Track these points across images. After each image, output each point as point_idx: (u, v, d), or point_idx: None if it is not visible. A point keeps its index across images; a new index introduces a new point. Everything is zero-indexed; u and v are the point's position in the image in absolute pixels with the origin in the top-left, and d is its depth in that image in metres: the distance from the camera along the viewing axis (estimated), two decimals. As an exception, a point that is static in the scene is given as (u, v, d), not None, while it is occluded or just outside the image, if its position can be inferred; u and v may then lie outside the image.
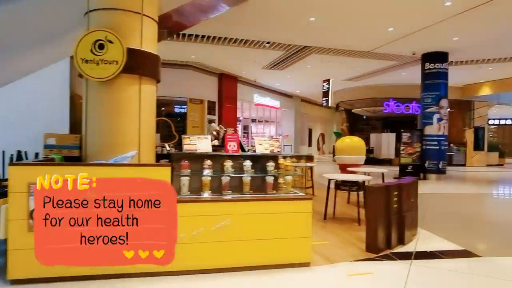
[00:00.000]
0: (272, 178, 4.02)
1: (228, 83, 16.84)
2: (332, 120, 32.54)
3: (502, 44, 10.93)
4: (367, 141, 21.53)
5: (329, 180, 6.03)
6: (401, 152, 12.08)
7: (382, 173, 7.23)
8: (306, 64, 14.29)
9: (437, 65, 11.71)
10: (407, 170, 12.05)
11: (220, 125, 5.34)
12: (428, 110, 11.94)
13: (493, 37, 10.31)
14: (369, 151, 18.80)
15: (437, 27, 9.34)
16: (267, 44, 11.38)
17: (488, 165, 18.83)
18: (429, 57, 11.90)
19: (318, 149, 30.12)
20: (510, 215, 7.03)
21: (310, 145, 28.57)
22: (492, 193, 9.80)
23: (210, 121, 15.13)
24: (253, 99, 19.55)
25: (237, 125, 20.00)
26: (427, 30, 9.64)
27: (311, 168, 8.23)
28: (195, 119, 15.46)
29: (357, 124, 27.56)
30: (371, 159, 18.58)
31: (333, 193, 6.09)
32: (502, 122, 31.99)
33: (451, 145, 19.14)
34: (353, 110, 23.00)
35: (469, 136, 18.59)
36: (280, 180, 4.08)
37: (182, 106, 15.18)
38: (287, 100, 23.75)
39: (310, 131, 28.69)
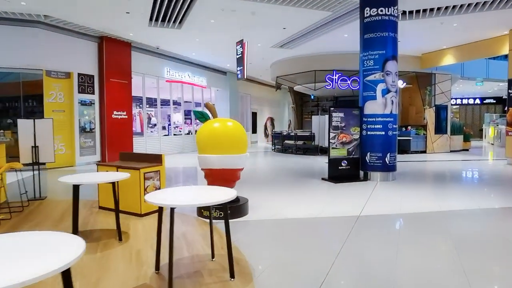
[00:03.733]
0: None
1: (114, 50, 12.33)
2: (283, 102, 28.70)
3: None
4: (310, 125, 17.77)
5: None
6: (331, 141, 8.25)
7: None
8: (205, 17, 10.07)
9: (382, 11, 7.85)
10: (342, 167, 8.27)
11: None
12: (369, 78, 8.11)
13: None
14: (309, 138, 15.04)
15: None
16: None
17: (452, 151, 15.60)
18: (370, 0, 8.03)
19: (266, 135, 26.27)
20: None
21: (254, 131, 24.64)
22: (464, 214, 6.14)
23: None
24: (164, 74, 15.16)
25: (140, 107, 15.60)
26: None
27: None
28: (58, 100, 10.95)
29: (306, 106, 23.86)
30: (313, 148, 14.83)
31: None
32: (465, 101, 29.37)
33: (409, 128, 15.70)
34: (295, 88, 19.10)
35: (430, 116, 15.20)
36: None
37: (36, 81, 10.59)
38: (220, 78, 19.50)
39: (254, 114, 24.71)
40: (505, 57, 12.66)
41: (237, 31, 10.99)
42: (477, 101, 28.88)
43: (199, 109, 16.83)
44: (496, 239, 4.17)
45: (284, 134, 16.58)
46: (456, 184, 8.16)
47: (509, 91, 11.16)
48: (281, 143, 16.28)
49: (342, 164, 8.29)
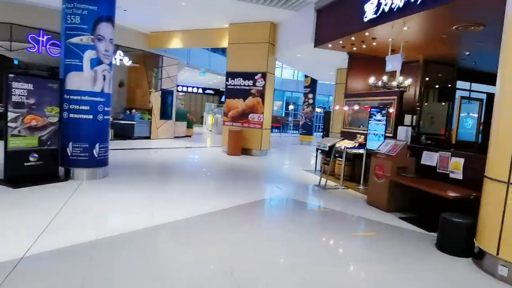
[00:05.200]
0: None
1: None
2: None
3: None
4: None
5: None
6: (11, 124, 5.56)
7: None
8: None
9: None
10: (30, 163, 5.72)
11: None
12: (74, 40, 5.94)
13: None
14: None
15: None
16: None
17: (176, 137, 15.60)
18: None
19: None
20: None
21: None
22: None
23: None
24: None
25: None
26: None
27: None
28: None
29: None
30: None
31: None
32: (190, 90, 31.54)
33: (134, 111, 14.40)
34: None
35: (155, 100, 14.46)
36: None
37: None
38: None
39: None
40: (223, 51, 13.44)
41: None
42: (200, 90, 31.64)
43: None
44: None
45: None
46: (177, 180, 7.40)
47: (227, 83, 11.79)
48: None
49: (31, 158, 5.75)
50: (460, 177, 4.79)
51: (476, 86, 10.94)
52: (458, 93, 9.91)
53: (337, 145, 7.00)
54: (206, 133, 20.78)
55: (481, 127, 8.87)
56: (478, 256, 3.66)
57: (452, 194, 4.19)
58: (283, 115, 27.64)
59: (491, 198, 3.48)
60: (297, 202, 6.08)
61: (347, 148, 7.17)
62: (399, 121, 7.55)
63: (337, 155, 7.58)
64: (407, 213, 5.45)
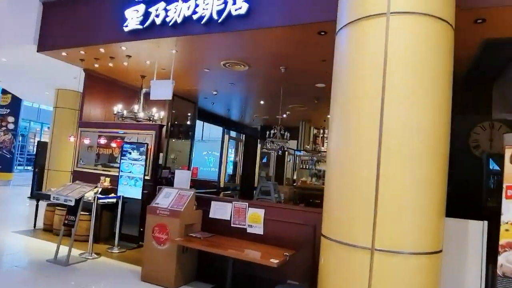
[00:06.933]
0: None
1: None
2: None
3: None
4: None
5: None
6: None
7: None
8: None
9: None
10: None
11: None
12: None
13: None
14: None
15: None
16: None
17: None
18: None
19: None
20: None
21: None
22: None
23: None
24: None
25: None
26: None
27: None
28: None
29: None
30: None
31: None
32: None
33: None
34: None
35: None
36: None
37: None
38: None
39: None
40: None
41: None
42: None
43: None
44: None
45: None
46: None
47: None
48: None
49: None
50: (260, 231, 4.07)
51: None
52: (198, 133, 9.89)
53: (86, 195, 4.75)
54: None
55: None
56: None
57: (274, 261, 3.30)
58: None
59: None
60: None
61: (99, 198, 5.07)
62: (157, 161, 6.28)
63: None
64: (201, 283, 4.16)
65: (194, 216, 4.27)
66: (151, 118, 7.04)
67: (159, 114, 7.21)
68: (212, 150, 9.74)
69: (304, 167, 10.27)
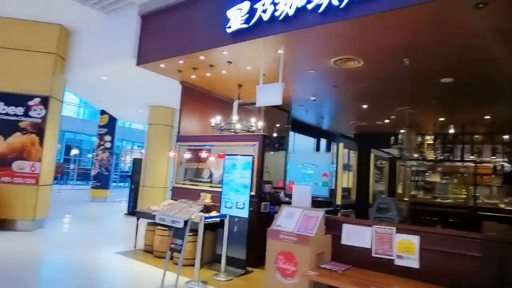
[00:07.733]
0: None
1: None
2: None
3: None
4: None
5: None
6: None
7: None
8: None
9: None
10: None
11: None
12: None
13: None
14: None
15: None
16: None
17: None
18: None
19: None
20: None
21: None
22: None
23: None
24: None
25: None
26: None
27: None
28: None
29: None
30: None
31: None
32: None
33: None
34: None
35: None
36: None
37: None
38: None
39: None
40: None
41: None
42: None
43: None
44: None
45: None
46: None
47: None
48: None
49: None
50: (415, 264, 3.13)
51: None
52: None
53: (193, 216, 4.28)
54: None
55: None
56: None
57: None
58: (62, 161, 21.76)
59: None
60: None
61: (205, 218, 4.58)
62: (261, 174, 5.67)
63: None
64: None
65: (324, 243, 3.49)
66: (249, 129, 6.53)
67: (257, 124, 6.67)
68: (305, 162, 8.95)
69: (414, 179, 8.94)
